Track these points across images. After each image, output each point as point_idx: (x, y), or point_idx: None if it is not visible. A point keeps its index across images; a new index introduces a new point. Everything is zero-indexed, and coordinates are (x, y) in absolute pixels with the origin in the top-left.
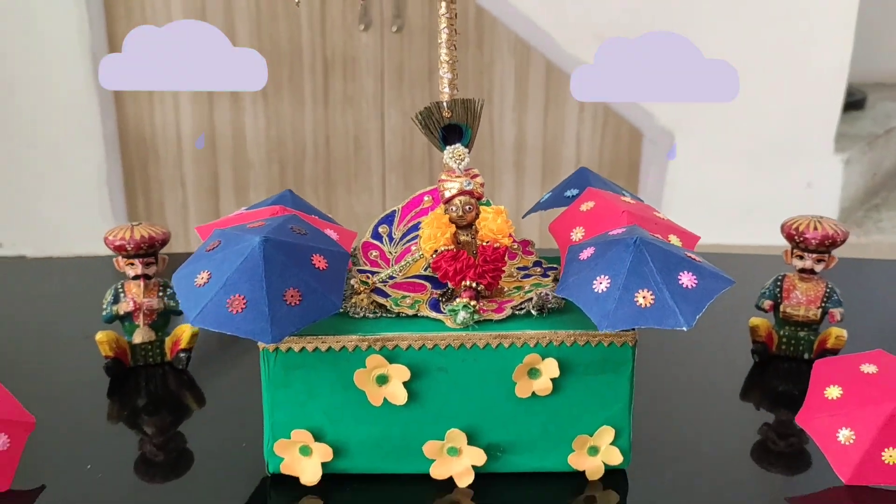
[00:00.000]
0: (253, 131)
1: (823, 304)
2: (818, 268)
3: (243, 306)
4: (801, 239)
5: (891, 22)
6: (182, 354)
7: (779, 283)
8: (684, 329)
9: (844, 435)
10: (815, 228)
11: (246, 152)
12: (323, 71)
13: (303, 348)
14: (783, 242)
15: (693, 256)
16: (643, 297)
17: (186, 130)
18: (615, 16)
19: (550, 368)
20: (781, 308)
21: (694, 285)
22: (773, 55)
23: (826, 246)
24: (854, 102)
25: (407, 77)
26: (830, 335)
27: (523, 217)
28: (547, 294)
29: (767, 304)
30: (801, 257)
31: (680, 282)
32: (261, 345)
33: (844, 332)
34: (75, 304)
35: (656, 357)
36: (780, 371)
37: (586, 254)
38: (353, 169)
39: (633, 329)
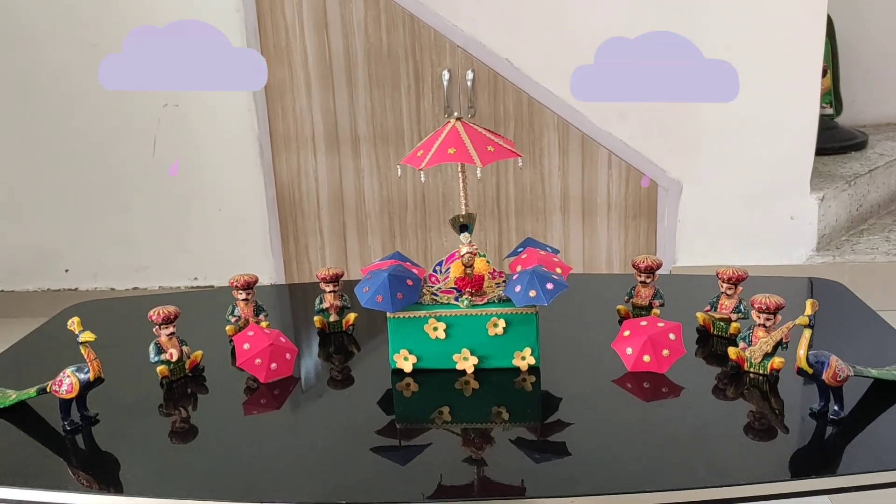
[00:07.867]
0: (370, 192)
1: (652, 299)
2: (648, 281)
3: (381, 299)
4: (637, 267)
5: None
6: (350, 326)
7: (633, 288)
8: (546, 304)
9: (628, 350)
10: (644, 262)
11: (365, 207)
12: None
13: (405, 316)
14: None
15: (555, 277)
16: (532, 293)
17: (323, 194)
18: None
19: (501, 323)
20: (633, 301)
21: (552, 288)
22: (755, 119)
23: (650, 270)
24: (856, 144)
25: None
26: (652, 313)
27: (503, 259)
28: (502, 293)
29: (626, 298)
30: (640, 275)
31: (548, 287)
32: (389, 314)
33: (659, 311)
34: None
35: (567, 320)
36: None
37: (516, 277)
38: (442, 217)
39: (535, 306)
